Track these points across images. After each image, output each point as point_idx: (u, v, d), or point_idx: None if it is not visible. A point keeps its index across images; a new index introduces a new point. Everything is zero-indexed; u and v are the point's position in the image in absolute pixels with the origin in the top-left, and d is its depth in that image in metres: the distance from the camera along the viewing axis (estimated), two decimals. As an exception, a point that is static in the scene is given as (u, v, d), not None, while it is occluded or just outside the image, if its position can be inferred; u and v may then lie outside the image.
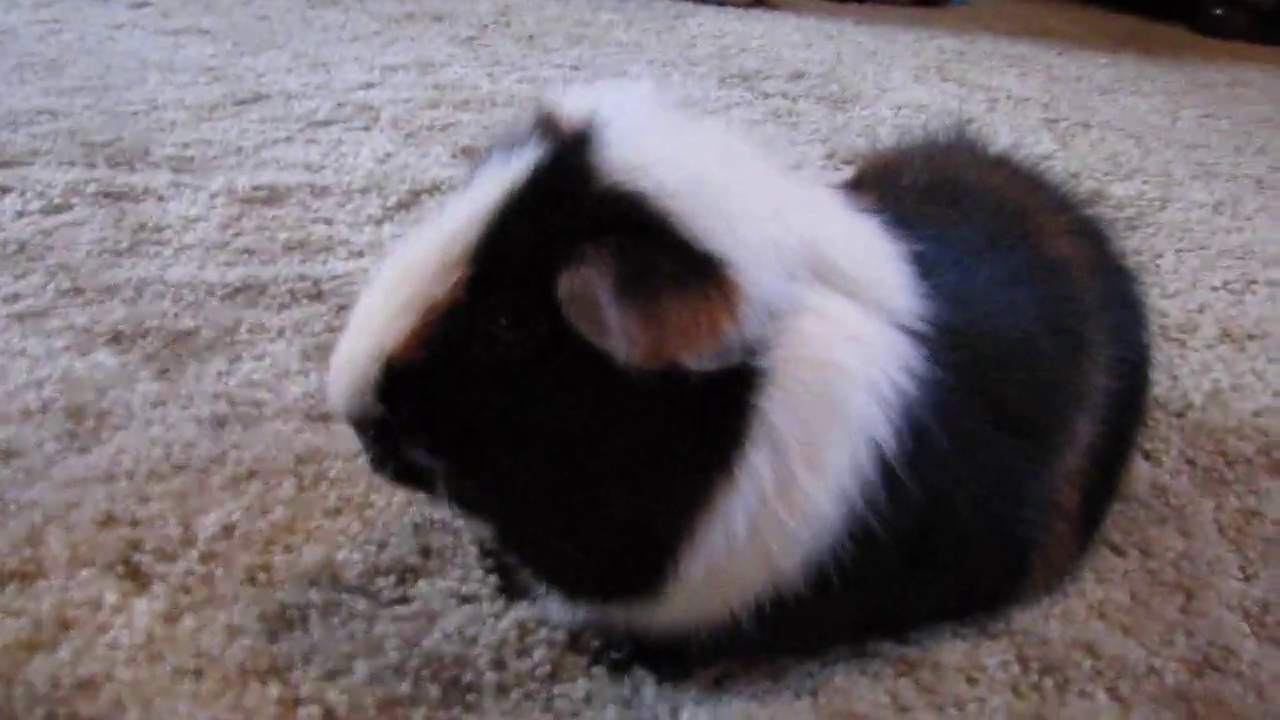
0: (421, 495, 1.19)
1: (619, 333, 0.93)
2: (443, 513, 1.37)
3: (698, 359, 0.96)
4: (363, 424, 1.08)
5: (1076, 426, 1.27)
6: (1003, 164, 1.54)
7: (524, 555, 1.19)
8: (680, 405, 1.00)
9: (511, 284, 1.01)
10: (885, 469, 1.06)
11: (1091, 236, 1.45)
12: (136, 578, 1.27)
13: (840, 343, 1.04)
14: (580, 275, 0.95)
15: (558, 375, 1.01)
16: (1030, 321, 1.24)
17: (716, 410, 1.02)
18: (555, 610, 1.24)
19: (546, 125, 1.10)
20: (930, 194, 1.37)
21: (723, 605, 1.11)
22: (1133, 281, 1.48)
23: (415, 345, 1.03)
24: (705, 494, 1.03)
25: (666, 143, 1.04)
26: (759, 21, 4.46)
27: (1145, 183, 2.92)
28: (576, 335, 0.97)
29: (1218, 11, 5.18)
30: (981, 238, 1.28)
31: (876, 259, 1.12)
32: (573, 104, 1.10)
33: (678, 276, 0.95)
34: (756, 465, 1.02)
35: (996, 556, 1.25)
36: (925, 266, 1.15)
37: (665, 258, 0.96)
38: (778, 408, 1.02)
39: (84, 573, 1.26)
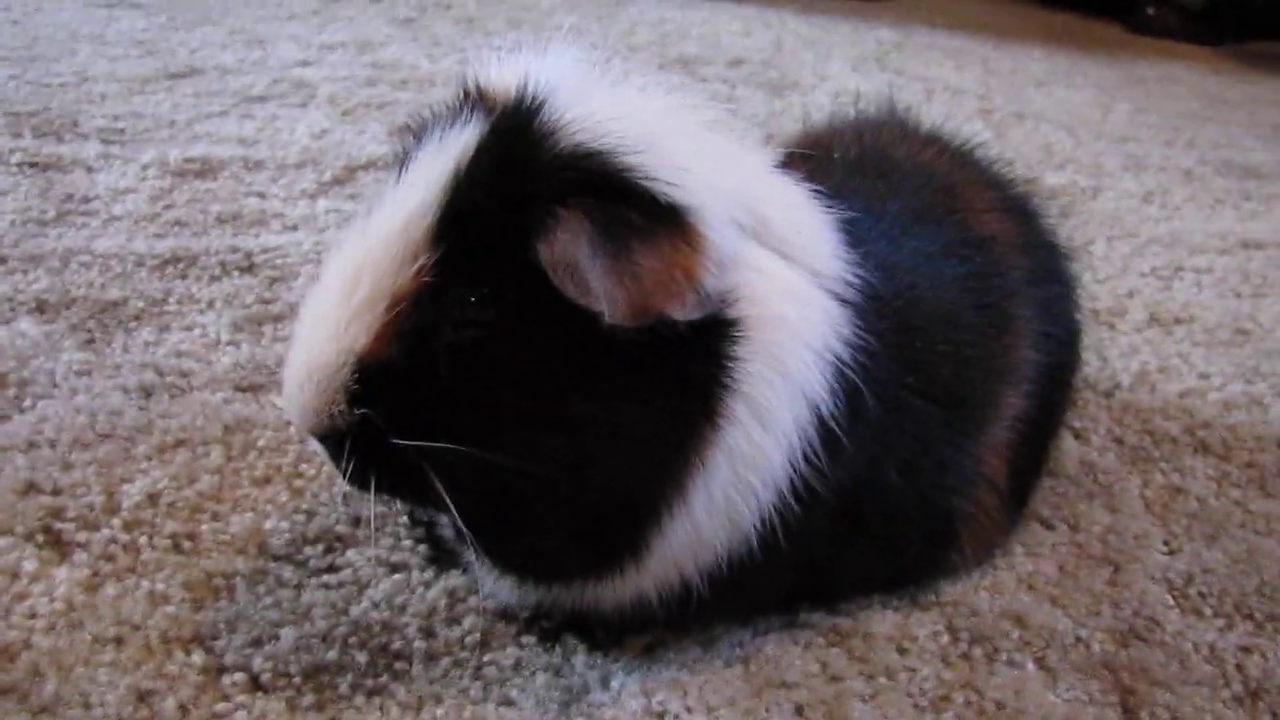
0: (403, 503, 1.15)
1: (602, 293, 0.92)
2: (426, 514, 1.32)
3: (681, 309, 0.96)
4: (336, 436, 1.03)
5: (1002, 399, 1.29)
6: (932, 141, 1.55)
7: (506, 542, 1.11)
8: (663, 362, 1.00)
9: (478, 261, 0.98)
10: (824, 429, 1.07)
11: (1021, 214, 1.46)
12: (57, 546, 1.24)
13: (784, 301, 1.05)
14: (559, 239, 0.94)
15: (536, 346, 0.99)
16: (955, 295, 1.25)
17: (694, 367, 1.02)
18: (505, 594, 1.21)
19: (479, 98, 1.08)
20: (859, 168, 1.38)
21: (681, 574, 1.10)
22: (1063, 258, 1.49)
23: (386, 340, 1.00)
24: (696, 452, 1.03)
25: (612, 101, 1.04)
26: (699, 9, 4.46)
27: (1077, 172, 2.96)
28: (550, 303, 0.95)
29: (1150, 10, 5.25)
30: (909, 212, 1.30)
31: (807, 224, 1.12)
32: (502, 76, 1.08)
33: (649, 230, 0.95)
34: (734, 420, 1.03)
35: (924, 525, 1.26)
36: (853, 236, 1.16)
37: (634, 213, 0.95)
38: (751, 359, 1.03)
39: (1, 541, 1.23)
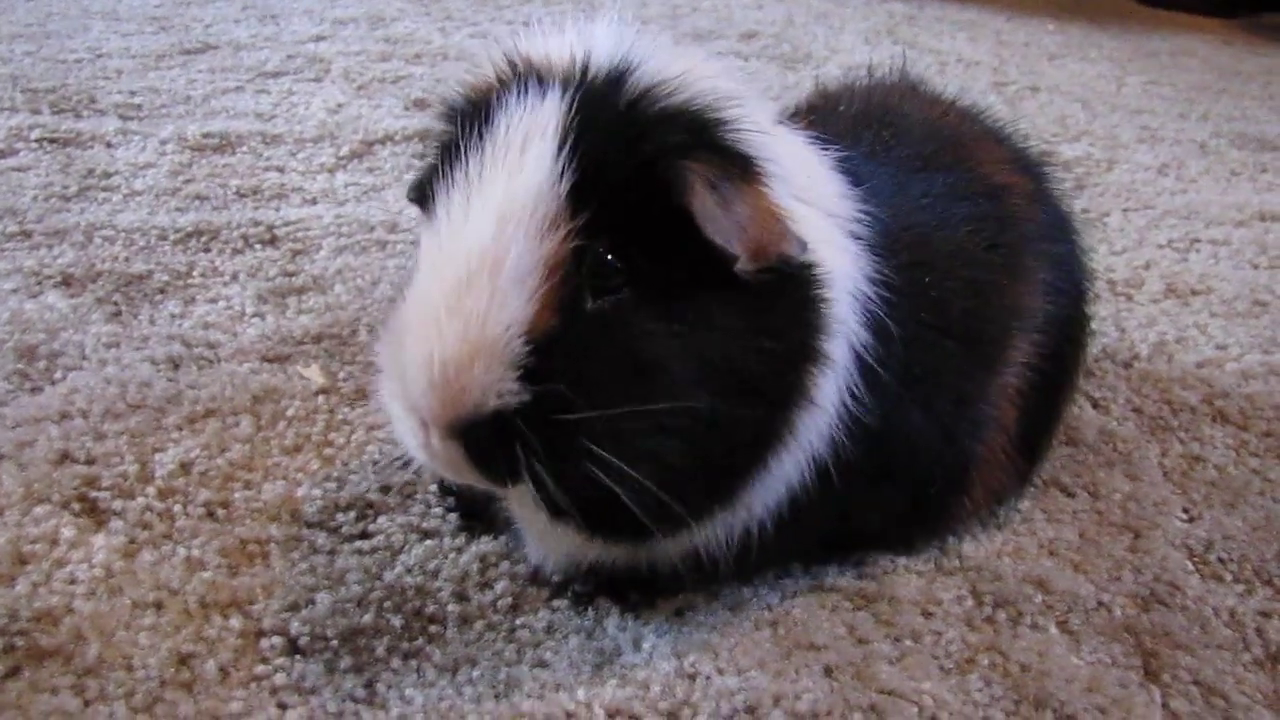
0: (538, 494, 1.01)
1: (734, 236, 0.97)
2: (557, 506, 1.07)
3: (791, 249, 1.01)
4: (485, 427, 0.96)
5: (1013, 342, 1.30)
6: (942, 101, 1.56)
7: (643, 499, 1.01)
8: (777, 303, 1.04)
9: (621, 220, 0.99)
10: (862, 365, 1.10)
11: (1031, 171, 1.47)
12: (94, 514, 1.26)
13: (821, 244, 1.08)
14: (698, 192, 0.97)
15: (678, 295, 1.01)
16: (964, 235, 1.27)
17: (804, 306, 1.06)
18: (548, 554, 1.21)
19: (532, 70, 1.06)
20: (864, 119, 1.40)
21: (752, 514, 1.13)
22: (1072, 219, 1.50)
23: (550, 309, 0.97)
24: (806, 389, 1.07)
25: (680, 62, 1.05)
26: (711, -17, 4.45)
27: (1092, 145, 2.96)
28: (682, 253, 0.98)
29: (1162, -17, 5.25)
30: (915, 157, 1.32)
31: (813, 167, 1.15)
32: (557, 47, 1.07)
33: (748, 179, 1.00)
34: (836, 357, 1.08)
35: (941, 464, 1.28)
36: (854, 176, 1.19)
37: (734, 166, 1.00)
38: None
39: (39, 509, 1.25)
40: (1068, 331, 1.40)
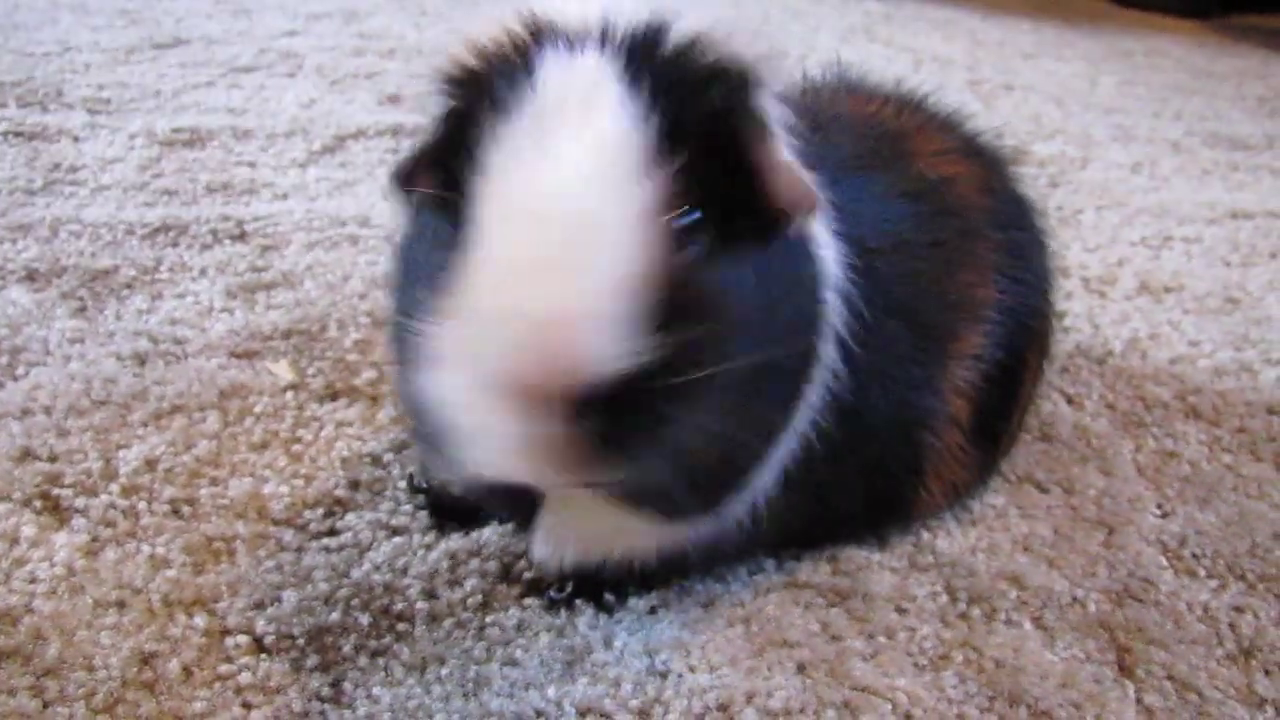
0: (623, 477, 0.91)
1: (785, 188, 0.98)
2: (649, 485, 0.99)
3: (819, 208, 1.04)
4: (599, 395, 0.83)
5: (961, 334, 1.30)
6: (878, 96, 1.53)
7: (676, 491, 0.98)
8: (801, 266, 1.06)
9: (693, 172, 0.94)
10: (841, 345, 1.11)
11: (981, 158, 1.46)
12: (55, 512, 1.24)
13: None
14: (767, 148, 0.98)
15: (750, 248, 0.99)
16: (906, 230, 1.26)
17: (812, 273, 1.08)
18: (557, 552, 1.17)
19: (553, 32, 0.99)
20: (797, 129, 1.38)
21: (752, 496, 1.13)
22: (1030, 207, 1.49)
23: (653, 262, 0.88)
24: (818, 357, 1.08)
25: (711, 24, 1.02)
26: (687, -19, 4.45)
27: (1066, 143, 2.96)
28: (748, 204, 0.98)
29: (1136, -17, 5.27)
30: (849, 159, 1.30)
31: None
32: (576, 9, 1.01)
33: (781, 139, 1.02)
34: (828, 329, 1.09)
35: (896, 451, 1.28)
36: None
37: (771, 124, 1.01)
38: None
39: None
40: (1026, 321, 1.39)
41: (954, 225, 1.31)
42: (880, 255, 1.21)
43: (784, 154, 1.01)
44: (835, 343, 1.11)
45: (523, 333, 0.82)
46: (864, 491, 1.28)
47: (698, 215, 0.94)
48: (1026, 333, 1.40)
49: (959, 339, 1.29)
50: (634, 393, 0.84)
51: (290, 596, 1.16)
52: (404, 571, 1.21)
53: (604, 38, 0.97)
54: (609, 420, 0.84)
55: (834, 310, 1.10)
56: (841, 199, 1.20)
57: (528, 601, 1.20)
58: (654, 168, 0.90)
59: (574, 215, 0.87)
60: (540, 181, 0.89)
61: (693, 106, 0.95)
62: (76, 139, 2.20)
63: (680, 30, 0.99)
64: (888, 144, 1.36)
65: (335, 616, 1.14)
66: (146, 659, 1.07)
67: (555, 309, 0.83)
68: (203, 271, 1.77)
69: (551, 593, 1.21)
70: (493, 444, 0.85)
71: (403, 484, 1.34)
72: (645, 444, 0.87)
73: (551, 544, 1.17)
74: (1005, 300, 1.34)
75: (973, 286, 1.31)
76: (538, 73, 0.95)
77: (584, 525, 1.14)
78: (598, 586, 1.21)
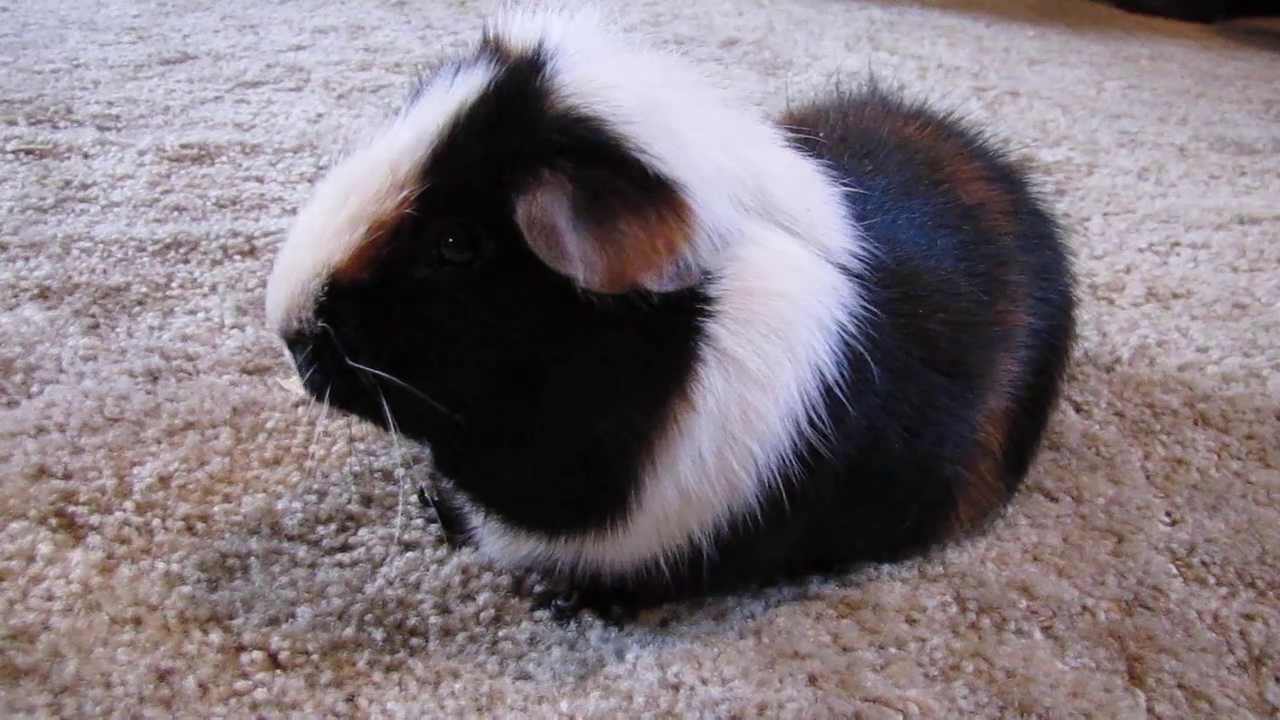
0: (355, 420, 1.15)
1: (578, 258, 0.93)
2: (383, 437, 1.33)
3: (657, 280, 0.96)
4: (299, 341, 1.05)
5: (999, 367, 1.30)
6: (915, 116, 1.54)
7: (464, 480, 1.18)
8: (634, 330, 1.01)
9: (461, 204, 0.99)
10: (829, 394, 1.09)
11: (1007, 181, 1.47)
12: (71, 529, 1.25)
13: (786, 274, 1.06)
14: (539, 201, 0.94)
15: (508, 298, 1.00)
16: (950, 263, 1.26)
17: (669, 335, 1.03)
18: (494, 549, 1.24)
19: (495, 48, 1.08)
20: (845, 145, 1.38)
21: (684, 533, 1.12)
22: (1053, 224, 1.50)
23: (360, 262, 1.01)
24: (663, 416, 1.04)
25: (618, 68, 1.04)
26: (692, -10, 4.46)
27: (1072, 149, 2.96)
28: (527, 258, 0.95)
29: (1140, -12, 5.27)
30: (897, 186, 1.30)
31: (815, 200, 1.13)
32: (521, 28, 1.08)
33: (634, 200, 0.96)
34: (714, 387, 1.04)
35: (922, 492, 1.27)
36: (854, 209, 1.17)
37: (621, 181, 0.96)
38: (729, 333, 1.04)
39: (14, 525, 1.23)
40: (1053, 341, 1.40)
41: (990, 253, 1.31)
42: (922, 303, 1.20)
43: (617, 218, 0.96)
44: (822, 401, 1.08)
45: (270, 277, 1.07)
46: (882, 527, 1.29)
47: (457, 243, 1.00)
48: (1055, 353, 1.42)
49: (997, 371, 1.29)
50: (304, 349, 1.05)
51: (304, 612, 1.16)
52: (417, 586, 1.22)
53: (500, 62, 1.05)
54: (295, 352, 1.06)
55: (807, 373, 1.08)
56: (894, 229, 1.21)
57: (539, 615, 1.21)
58: (411, 185, 0.99)
59: (331, 203, 1.02)
60: (344, 165, 1.06)
61: (499, 145, 0.99)
62: (87, 156, 2.21)
63: (559, 70, 1.02)
64: (928, 170, 1.36)
65: (349, 632, 1.15)
66: (163, 675, 1.08)
67: (279, 268, 1.05)
68: (213, 287, 1.78)
69: (559, 601, 1.22)
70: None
71: (414, 498, 1.35)
72: (318, 393, 1.06)
73: (494, 541, 1.23)
74: (1035, 323, 1.35)
75: (1007, 315, 1.31)
76: (436, 79, 1.07)
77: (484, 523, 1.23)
78: (603, 598, 1.22)
